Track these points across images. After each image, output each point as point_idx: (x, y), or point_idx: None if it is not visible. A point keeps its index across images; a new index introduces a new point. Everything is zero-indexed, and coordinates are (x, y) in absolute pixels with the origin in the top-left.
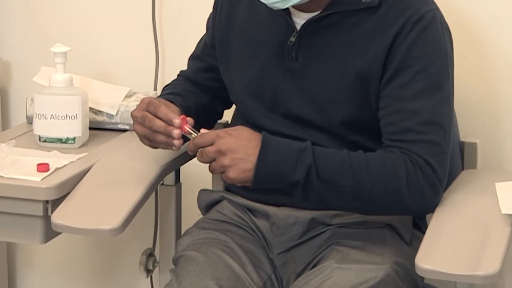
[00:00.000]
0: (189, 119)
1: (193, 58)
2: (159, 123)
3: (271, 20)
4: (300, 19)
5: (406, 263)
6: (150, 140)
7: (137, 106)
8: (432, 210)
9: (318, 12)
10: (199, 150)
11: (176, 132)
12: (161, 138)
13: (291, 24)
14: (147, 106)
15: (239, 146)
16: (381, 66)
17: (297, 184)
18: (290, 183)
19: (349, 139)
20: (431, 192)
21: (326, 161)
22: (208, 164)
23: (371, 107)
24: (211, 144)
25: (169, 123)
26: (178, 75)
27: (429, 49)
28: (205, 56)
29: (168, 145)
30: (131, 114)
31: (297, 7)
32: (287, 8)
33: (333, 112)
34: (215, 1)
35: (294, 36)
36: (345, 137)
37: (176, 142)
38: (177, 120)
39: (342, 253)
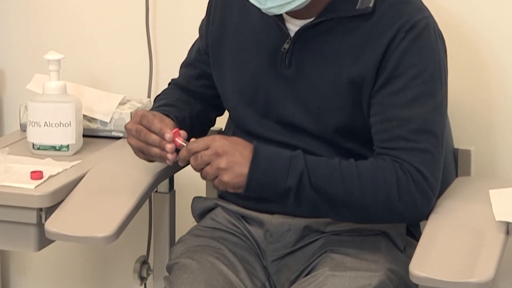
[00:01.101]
0: (182, 132)
1: (185, 65)
2: (153, 137)
3: (265, 26)
4: (293, 26)
5: (400, 270)
6: (144, 153)
7: (131, 117)
8: (425, 217)
9: (312, 18)
10: (193, 155)
11: (169, 146)
12: (156, 151)
13: (285, 31)
14: (140, 119)
15: (235, 150)
16: (374, 73)
17: (290, 190)
18: (283, 190)
19: (343, 146)
20: (423, 200)
21: (318, 168)
22: (199, 172)
23: (364, 114)
24: (206, 148)
25: (162, 137)
26: (169, 84)
27: (421, 56)
28: (198, 63)
29: (162, 159)
30: (125, 127)
31: (291, 13)
32: (281, 15)
33: (326, 119)
34: (208, 7)
35: (287, 42)
36: (339, 144)
37: (170, 156)
38: (168, 135)
39: (336, 260)
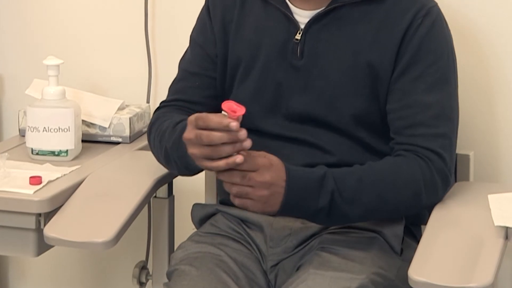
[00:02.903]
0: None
1: (182, 79)
2: (217, 135)
3: (272, 22)
4: (302, 18)
5: (389, 274)
6: (213, 158)
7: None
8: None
9: (323, 8)
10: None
11: (241, 133)
12: (228, 149)
13: (295, 23)
14: (196, 122)
15: (278, 179)
16: (392, 59)
17: (322, 210)
18: (314, 211)
19: (354, 135)
20: (444, 186)
21: (345, 182)
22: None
23: (379, 101)
24: (255, 170)
25: (226, 129)
26: (158, 108)
27: (437, 43)
28: (205, 70)
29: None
30: (183, 138)
31: (299, 5)
32: (288, 7)
33: (341, 106)
34: (206, 11)
35: (299, 33)
36: (350, 133)
37: (246, 143)
38: (233, 123)
39: (323, 258)
